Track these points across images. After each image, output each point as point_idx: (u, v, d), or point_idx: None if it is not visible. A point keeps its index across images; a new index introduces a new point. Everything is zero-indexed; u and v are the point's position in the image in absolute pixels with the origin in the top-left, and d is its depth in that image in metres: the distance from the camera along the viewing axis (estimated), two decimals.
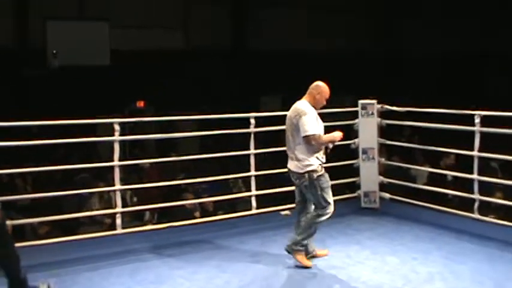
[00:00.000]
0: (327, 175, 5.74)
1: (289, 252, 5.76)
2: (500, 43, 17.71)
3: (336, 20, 17.63)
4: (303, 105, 5.72)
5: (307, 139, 5.60)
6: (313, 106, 5.72)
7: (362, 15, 18.42)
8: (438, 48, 18.13)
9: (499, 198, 7.52)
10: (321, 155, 5.72)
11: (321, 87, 5.80)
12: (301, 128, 5.60)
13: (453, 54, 18.11)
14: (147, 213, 8.70)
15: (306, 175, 5.64)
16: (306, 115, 5.61)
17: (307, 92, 5.82)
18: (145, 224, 7.87)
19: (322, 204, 5.68)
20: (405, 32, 18.76)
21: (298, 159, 5.67)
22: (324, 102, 5.81)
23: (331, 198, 5.72)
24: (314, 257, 5.92)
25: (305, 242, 5.76)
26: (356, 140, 7.81)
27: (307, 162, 5.64)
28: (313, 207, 5.79)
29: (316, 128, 5.61)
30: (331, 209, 5.71)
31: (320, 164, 5.68)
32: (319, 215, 5.69)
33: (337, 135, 5.76)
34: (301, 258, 5.72)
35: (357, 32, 18.04)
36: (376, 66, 17.48)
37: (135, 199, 8.78)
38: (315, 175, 5.63)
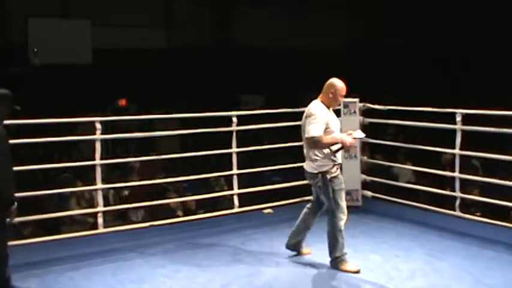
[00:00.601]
0: (341, 177, 5.65)
1: (336, 268, 5.63)
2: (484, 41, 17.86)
3: (319, 18, 17.64)
4: (313, 106, 5.58)
5: (308, 141, 5.54)
6: (327, 105, 5.59)
7: (345, 13, 18.43)
8: (422, 46, 18.24)
9: (476, 195, 7.61)
10: (335, 156, 5.56)
11: (335, 85, 5.60)
12: (306, 129, 5.53)
13: (436, 52, 18.27)
14: (138, 213, 8.69)
15: (320, 175, 5.55)
16: (312, 116, 5.49)
17: (322, 91, 5.66)
18: (131, 224, 7.83)
19: (332, 207, 5.58)
20: (389, 30, 18.83)
21: (311, 159, 5.58)
22: (340, 100, 5.74)
23: (343, 202, 5.62)
24: (299, 255, 5.95)
25: (339, 254, 5.62)
26: None
27: (320, 163, 5.54)
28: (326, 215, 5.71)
29: (318, 130, 5.44)
30: (343, 211, 5.60)
31: (335, 165, 5.58)
32: (334, 222, 5.59)
33: (346, 139, 5.54)
34: (347, 267, 5.61)
35: (341, 30, 18.08)
36: (361, 64, 17.52)
37: (126, 192, 8.78)
38: (329, 176, 5.54)
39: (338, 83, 5.61)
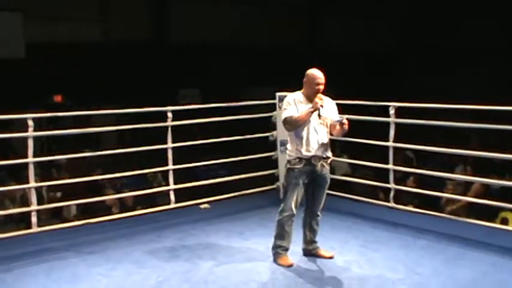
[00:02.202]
0: (297, 173, 5.53)
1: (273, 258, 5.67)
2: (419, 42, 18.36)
3: (257, 13, 17.67)
4: (289, 95, 5.66)
5: (284, 125, 5.59)
6: (306, 95, 5.57)
7: (285, 8, 18.52)
8: (361, 44, 18.57)
9: (410, 186, 7.80)
10: (306, 147, 5.50)
11: (307, 74, 5.59)
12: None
13: (375, 50, 18.66)
14: (73, 210, 8.53)
15: (287, 164, 5.64)
16: (284, 104, 5.58)
17: None
18: (66, 221, 7.70)
19: (283, 198, 5.66)
20: (328, 26, 19.06)
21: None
22: (316, 88, 5.50)
23: (292, 197, 5.55)
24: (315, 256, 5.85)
25: (278, 242, 5.64)
26: (274, 132, 7.87)
27: (288, 153, 5.62)
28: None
29: (288, 112, 5.48)
30: (288, 206, 5.56)
31: (301, 158, 5.51)
32: (280, 212, 5.63)
33: (316, 102, 5.44)
34: (280, 260, 5.62)
35: (279, 25, 18.14)
36: (298, 59, 17.64)
37: (58, 194, 8.62)
38: (288, 166, 5.60)
39: (311, 72, 5.60)
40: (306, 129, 5.51)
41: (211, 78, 16.08)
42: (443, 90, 15.33)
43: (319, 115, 5.51)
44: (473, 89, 16.81)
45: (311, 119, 5.50)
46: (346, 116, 5.58)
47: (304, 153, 5.52)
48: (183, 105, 9.02)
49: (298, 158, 5.53)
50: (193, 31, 16.32)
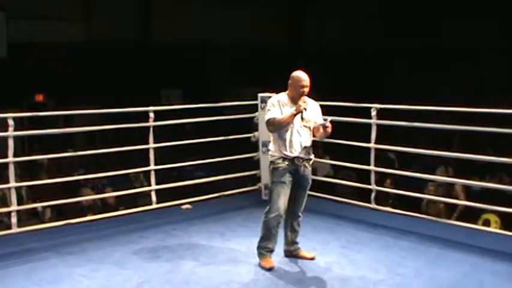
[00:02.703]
0: (282, 171, 5.51)
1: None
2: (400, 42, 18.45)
3: (241, 13, 17.67)
4: (273, 96, 5.68)
5: (267, 127, 5.61)
6: (290, 97, 5.55)
7: (268, 8, 18.53)
8: (342, 43, 18.63)
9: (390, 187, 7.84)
10: (289, 149, 5.50)
11: (292, 77, 5.56)
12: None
13: (356, 50, 18.72)
14: (48, 211, 8.47)
15: (270, 165, 5.62)
16: (268, 105, 5.60)
17: None
18: (44, 223, 7.64)
19: (269, 200, 5.61)
20: (310, 26, 19.10)
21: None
22: (301, 90, 5.48)
23: (279, 198, 5.49)
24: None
25: (262, 244, 5.58)
26: (256, 133, 7.87)
27: (271, 153, 5.62)
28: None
29: (271, 114, 5.49)
30: (275, 207, 5.49)
31: (284, 158, 5.51)
32: (265, 213, 5.57)
33: (298, 104, 5.45)
34: (262, 263, 5.56)
35: (263, 25, 18.15)
36: (282, 60, 17.67)
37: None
38: (271, 166, 5.58)
39: (296, 74, 5.58)
40: (289, 131, 5.51)
41: (194, 78, 16.06)
42: (425, 91, 15.43)
43: (302, 118, 5.51)
44: (454, 90, 16.99)
45: (294, 121, 5.50)
46: (330, 118, 5.57)
47: (286, 153, 5.53)
48: (165, 105, 8.98)
49: (281, 157, 5.53)
50: (177, 31, 16.28)
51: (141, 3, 16.82)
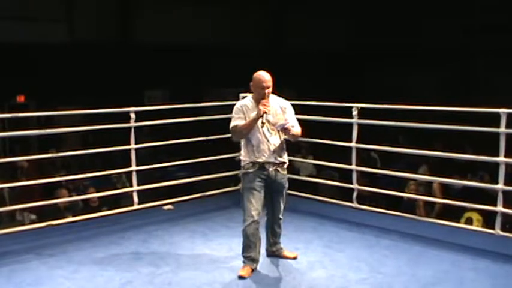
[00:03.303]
0: (251, 177, 5.37)
1: None
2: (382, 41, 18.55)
3: (222, 14, 17.63)
4: (238, 102, 5.52)
5: (232, 136, 5.49)
6: (256, 99, 5.36)
7: (249, 9, 18.52)
8: (322, 43, 18.69)
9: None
10: (258, 154, 5.34)
11: (253, 77, 5.35)
12: None
13: (336, 50, 18.80)
14: (25, 214, 8.39)
15: (241, 170, 5.48)
16: (233, 112, 5.43)
17: None
18: (23, 224, 7.57)
19: (242, 207, 5.44)
20: (289, 26, 19.12)
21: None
22: (262, 92, 5.26)
23: (251, 203, 5.33)
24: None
25: (244, 254, 5.45)
26: None
27: (241, 158, 5.48)
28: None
29: (234, 122, 5.34)
30: (248, 214, 5.33)
31: (254, 163, 5.36)
32: (242, 222, 5.40)
33: (259, 108, 5.24)
34: (241, 270, 5.41)
35: (244, 26, 18.14)
36: (261, 59, 17.67)
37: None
38: (242, 172, 5.45)
39: (256, 74, 5.37)
40: (256, 135, 5.35)
41: (177, 79, 16.02)
42: (403, 91, 15.51)
43: (262, 122, 5.28)
44: (436, 89, 17.08)
45: (261, 125, 5.31)
46: (288, 121, 5.33)
47: (254, 158, 5.38)
48: (147, 106, 8.93)
49: (251, 162, 5.39)
50: (159, 32, 16.22)
51: (123, 4, 16.73)
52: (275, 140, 5.40)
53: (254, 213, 5.35)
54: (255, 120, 5.29)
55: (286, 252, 5.81)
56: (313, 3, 18.52)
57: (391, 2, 18.13)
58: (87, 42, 15.29)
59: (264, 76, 5.34)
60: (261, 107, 5.25)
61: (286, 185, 5.59)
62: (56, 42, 14.92)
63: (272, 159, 5.40)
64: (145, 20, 16.50)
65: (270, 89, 5.33)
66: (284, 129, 5.33)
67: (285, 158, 5.51)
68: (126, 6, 16.77)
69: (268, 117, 5.32)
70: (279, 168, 5.46)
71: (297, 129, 5.45)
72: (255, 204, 5.36)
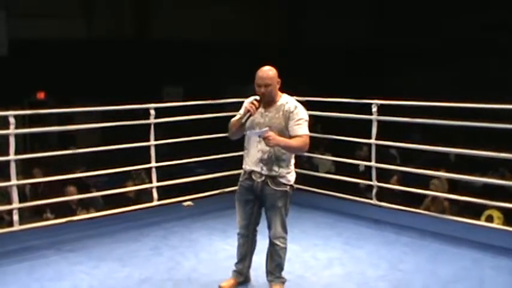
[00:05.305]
0: (239, 186, 4.87)
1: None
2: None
3: (240, 11, 17.64)
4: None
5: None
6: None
7: (266, 6, 18.51)
8: (340, 39, 18.63)
9: (394, 183, 7.83)
10: (246, 159, 4.77)
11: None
12: None
13: (355, 46, 18.70)
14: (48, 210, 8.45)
15: None
16: None
17: None
18: (45, 220, 7.63)
19: None
20: (305, 22, 19.10)
21: None
22: (257, 90, 4.60)
23: (237, 215, 4.94)
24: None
25: (235, 265, 5.12)
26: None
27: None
28: None
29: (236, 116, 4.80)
30: (238, 225, 4.97)
31: (243, 169, 4.81)
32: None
33: (246, 109, 4.65)
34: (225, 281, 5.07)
35: (262, 23, 18.14)
36: (281, 57, 17.64)
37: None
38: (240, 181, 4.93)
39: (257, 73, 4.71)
40: (249, 139, 4.75)
41: (196, 76, 16.05)
42: (420, 89, 15.42)
43: (244, 123, 4.66)
44: (453, 87, 16.95)
45: (253, 127, 4.67)
46: (267, 129, 4.52)
47: (244, 165, 4.82)
48: (166, 102, 8.95)
49: (243, 170, 4.84)
50: (177, 29, 16.26)
51: (140, 1, 16.79)
52: (264, 146, 4.62)
53: (239, 226, 4.96)
54: (239, 120, 4.69)
55: None
56: (334, 1, 18.46)
57: (410, 1, 18.04)
58: (106, 39, 15.38)
59: (260, 73, 4.65)
60: (246, 105, 4.71)
61: (280, 203, 4.73)
62: (75, 39, 15.05)
63: (258, 169, 4.68)
64: (163, 17, 16.54)
65: (270, 88, 4.61)
66: (263, 138, 4.53)
67: (281, 171, 4.68)
68: (145, 3, 16.84)
69: (258, 119, 4.66)
70: (268, 181, 4.68)
71: (289, 142, 4.59)
72: (239, 217, 4.93)
